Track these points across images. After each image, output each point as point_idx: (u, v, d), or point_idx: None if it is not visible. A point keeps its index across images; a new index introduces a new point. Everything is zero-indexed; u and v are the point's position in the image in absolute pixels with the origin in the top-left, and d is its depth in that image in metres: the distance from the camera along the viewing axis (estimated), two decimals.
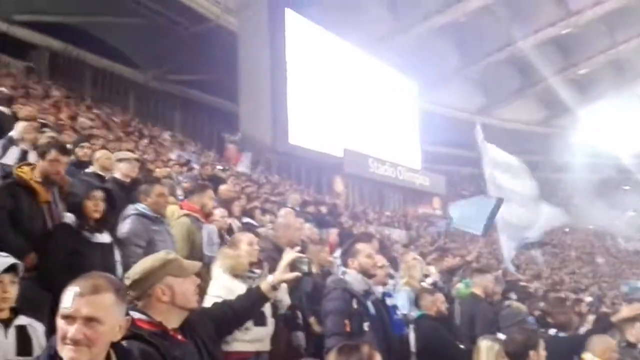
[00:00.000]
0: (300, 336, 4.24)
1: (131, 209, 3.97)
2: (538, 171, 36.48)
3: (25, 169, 3.64)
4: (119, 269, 3.48)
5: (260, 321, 3.53)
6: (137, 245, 3.75)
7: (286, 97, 20.03)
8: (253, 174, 16.30)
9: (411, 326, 4.33)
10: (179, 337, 2.06)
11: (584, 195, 28.89)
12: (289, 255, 2.70)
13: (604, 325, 6.85)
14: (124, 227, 3.83)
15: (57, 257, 3.21)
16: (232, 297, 3.21)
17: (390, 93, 25.93)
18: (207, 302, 3.14)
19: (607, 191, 31.05)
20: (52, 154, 3.65)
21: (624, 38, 29.66)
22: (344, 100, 22.53)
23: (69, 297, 1.47)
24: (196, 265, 2.24)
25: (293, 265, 2.67)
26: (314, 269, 4.95)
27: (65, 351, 1.45)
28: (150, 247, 3.75)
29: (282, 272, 2.61)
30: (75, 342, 1.44)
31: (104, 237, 3.43)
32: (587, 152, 32.32)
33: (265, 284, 2.61)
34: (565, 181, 32.56)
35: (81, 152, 5.49)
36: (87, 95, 18.28)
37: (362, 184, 23.18)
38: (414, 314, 4.56)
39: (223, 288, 3.40)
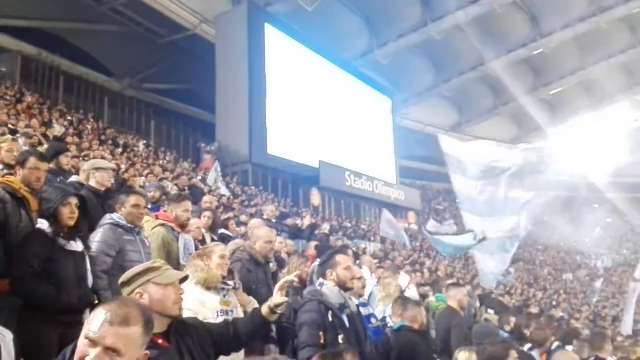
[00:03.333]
0: (272, 349, 4.21)
1: (107, 218, 3.97)
2: None
3: (13, 178, 3.59)
4: (90, 277, 3.43)
5: None
6: (106, 254, 3.73)
7: (265, 109, 20.05)
8: (219, 188, 15.80)
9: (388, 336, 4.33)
10: (160, 341, 2.12)
11: (555, 212, 29.45)
12: (285, 278, 2.75)
13: (571, 339, 7.01)
14: (96, 236, 3.81)
15: (31, 263, 3.12)
16: (205, 309, 3.19)
17: (365, 108, 26.20)
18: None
19: (577, 209, 31.77)
20: (32, 161, 3.62)
21: (593, 60, 30.59)
22: (321, 116, 22.68)
23: (98, 321, 1.45)
24: (177, 275, 2.30)
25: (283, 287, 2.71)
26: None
27: None
28: (120, 256, 3.77)
29: (276, 295, 2.63)
30: None
31: (77, 245, 3.37)
32: (557, 171, 33.01)
33: (264, 308, 2.63)
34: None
35: (65, 160, 5.41)
36: (60, 102, 17.96)
37: (338, 196, 23.23)
38: (392, 324, 4.56)
39: (195, 301, 3.35)
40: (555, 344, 6.98)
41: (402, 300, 5.05)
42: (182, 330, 2.25)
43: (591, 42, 29.02)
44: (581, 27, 27.38)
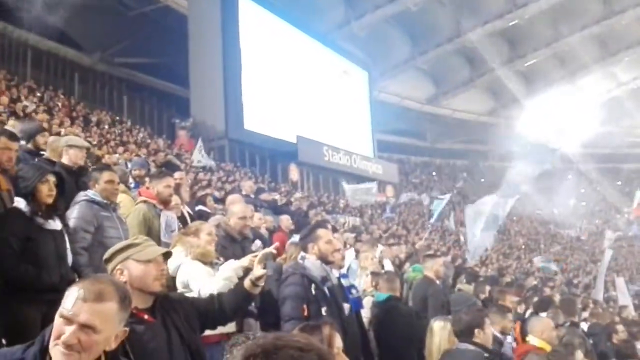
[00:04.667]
0: (252, 323, 4.24)
1: (81, 195, 3.95)
2: (485, 160, 37.73)
3: None
4: (69, 255, 3.40)
5: None
6: (85, 231, 3.73)
7: (240, 83, 19.78)
8: (207, 163, 15.85)
9: (368, 307, 4.44)
10: (145, 316, 2.16)
11: (529, 183, 29.98)
12: (264, 251, 2.81)
13: (546, 307, 7.22)
14: (73, 212, 3.79)
15: (10, 243, 3.09)
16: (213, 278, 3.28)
17: (342, 82, 26.04)
18: (194, 286, 3.25)
19: (550, 180, 32.39)
20: (2, 141, 3.57)
21: (567, 31, 30.81)
22: (298, 90, 22.48)
23: (72, 299, 1.46)
24: (158, 251, 2.31)
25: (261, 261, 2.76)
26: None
27: (55, 351, 1.44)
28: (99, 233, 3.78)
29: (256, 268, 2.68)
30: (68, 346, 1.42)
31: (56, 224, 3.35)
32: (532, 142, 33.51)
33: (247, 282, 2.66)
34: (511, 170, 33.74)
35: (42, 140, 5.31)
36: (29, 78, 17.44)
37: (317, 171, 23.25)
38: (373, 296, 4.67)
39: (205, 272, 3.42)
40: (529, 311, 7.20)
41: (385, 272, 5.17)
42: (167, 306, 2.27)
43: (565, 13, 29.20)
44: None
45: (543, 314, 6.59)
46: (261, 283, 2.67)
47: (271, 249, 2.91)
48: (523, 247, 25.42)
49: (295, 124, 21.42)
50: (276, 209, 8.98)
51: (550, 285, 15.40)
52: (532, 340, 4.12)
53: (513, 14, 28.41)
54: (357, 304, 4.28)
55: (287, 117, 21.44)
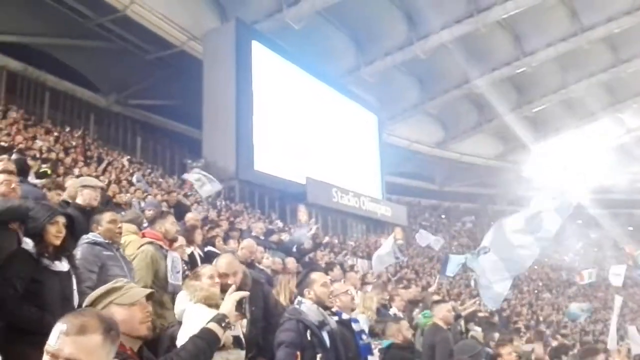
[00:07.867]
0: None
1: (84, 238, 3.98)
2: (494, 204, 37.54)
3: None
4: (76, 297, 3.42)
5: (239, 345, 3.48)
6: (89, 271, 3.74)
7: (252, 125, 20.12)
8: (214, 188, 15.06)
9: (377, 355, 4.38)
10: None
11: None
12: (239, 294, 2.66)
13: (559, 355, 7.08)
14: (76, 254, 3.79)
15: (14, 285, 3.09)
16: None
17: (352, 125, 26.39)
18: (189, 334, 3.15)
19: (560, 225, 32.10)
20: (1, 176, 3.66)
21: (575, 78, 31.17)
22: (308, 132, 22.78)
23: (55, 334, 1.44)
24: (141, 293, 2.24)
25: (238, 305, 2.62)
26: (283, 299, 4.98)
27: None
28: (103, 272, 3.77)
29: (232, 308, 2.54)
30: None
31: (63, 265, 3.36)
32: (540, 187, 33.34)
33: (219, 331, 2.46)
34: None
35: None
36: (46, 118, 17.89)
37: (325, 213, 23.27)
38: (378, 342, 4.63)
39: (201, 320, 3.37)
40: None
41: (383, 319, 5.14)
42: (148, 354, 2.24)
43: (573, 61, 29.61)
44: (563, 46, 27.94)
45: None
46: (231, 327, 2.51)
47: (244, 293, 2.71)
48: (536, 291, 24.99)
49: (304, 165, 21.61)
50: (287, 250, 8.94)
51: (562, 332, 15.07)
52: None
53: (521, 61, 28.87)
54: (366, 350, 4.23)
55: (297, 158, 21.66)
